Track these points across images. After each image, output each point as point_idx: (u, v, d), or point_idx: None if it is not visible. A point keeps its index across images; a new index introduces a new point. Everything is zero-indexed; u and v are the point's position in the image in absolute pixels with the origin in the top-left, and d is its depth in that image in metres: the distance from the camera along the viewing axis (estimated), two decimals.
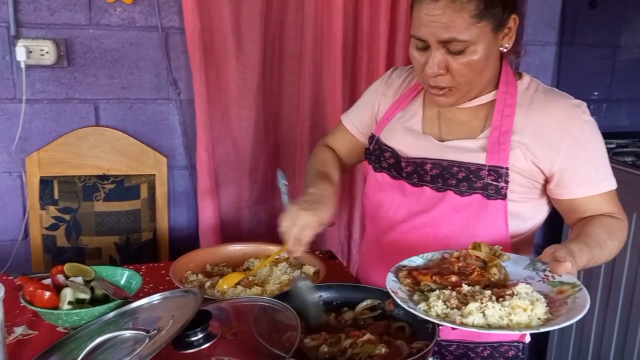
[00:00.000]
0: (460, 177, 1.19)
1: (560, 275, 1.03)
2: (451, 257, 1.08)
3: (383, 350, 1.00)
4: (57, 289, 1.20)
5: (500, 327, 0.90)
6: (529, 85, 1.24)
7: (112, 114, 2.03)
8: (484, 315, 0.91)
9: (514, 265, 1.08)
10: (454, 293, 0.97)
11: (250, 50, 2.01)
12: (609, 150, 2.20)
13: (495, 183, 1.17)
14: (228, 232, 2.15)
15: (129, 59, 1.99)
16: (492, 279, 1.02)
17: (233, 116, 2.08)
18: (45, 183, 1.95)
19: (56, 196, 1.96)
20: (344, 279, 1.46)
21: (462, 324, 0.90)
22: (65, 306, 1.16)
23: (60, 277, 1.22)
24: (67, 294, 1.18)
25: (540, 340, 2.68)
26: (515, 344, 1.27)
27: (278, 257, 1.48)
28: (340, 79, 2.09)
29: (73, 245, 1.98)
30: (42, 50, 1.87)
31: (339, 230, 2.28)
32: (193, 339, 0.94)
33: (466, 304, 0.93)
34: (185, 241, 2.17)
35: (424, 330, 1.06)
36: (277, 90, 2.15)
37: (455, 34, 1.09)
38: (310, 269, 1.44)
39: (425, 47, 1.14)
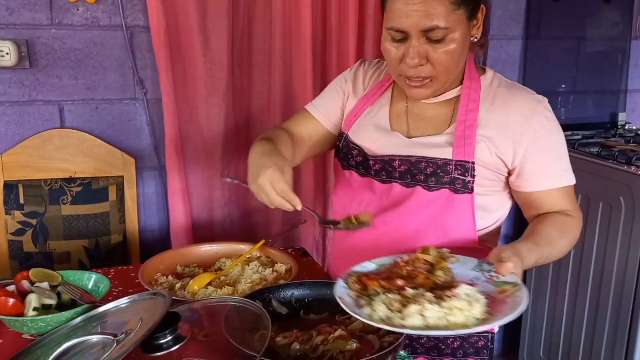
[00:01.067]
0: (429, 172, 1.21)
1: (504, 275, 1.04)
2: (402, 261, 1.09)
3: (354, 345, 1.00)
4: (22, 295, 1.18)
5: (438, 328, 0.92)
6: (493, 81, 1.27)
7: (77, 116, 1.99)
8: (424, 317, 0.93)
9: (462, 267, 1.10)
10: (398, 297, 0.98)
11: (218, 47, 2.00)
12: (575, 141, 2.27)
13: (462, 177, 1.19)
14: (201, 233, 2.13)
15: (93, 59, 1.95)
16: (438, 282, 1.03)
17: (202, 115, 2.05)
18: (10, 187, 1.91)
19: (22, 201, 1.92)
20: (316, 276, 1.46)
21: (403, 327, 0.92)
22: (31, 313, 1.14)
23: (25, 283, 1.20)
24: (33, 300, 1.16)
25: (513, 330, 2.73)
26: (484, 334, 1.30)
27: (250, 256, 1.48)
28: (311, 75, 2.09)
29: (41, 251, 1.94)
30: (2, 51, 1.82)
31: (314, 228, 2.27)
32: (162, 341, 0.93)
33: (405, 307, 0.95)
34: (156, 243, 2.15)
35: None
36: (247, 88, 2.13)
37: (437, 22, 1.10)
38: (282, 267, 1.44)
39: (403, 39, 1.15)
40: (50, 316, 1.11)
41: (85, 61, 1.95)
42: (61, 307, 1.18)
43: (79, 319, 1.11)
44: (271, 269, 1.42)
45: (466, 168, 1.19)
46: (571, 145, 2.27)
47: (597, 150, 2.18)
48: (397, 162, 1.24)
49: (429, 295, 0.98)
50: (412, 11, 1.10)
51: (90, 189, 1.97)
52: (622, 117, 2.65)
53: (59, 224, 1.94)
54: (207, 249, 1.55)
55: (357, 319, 0.97)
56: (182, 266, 1.48)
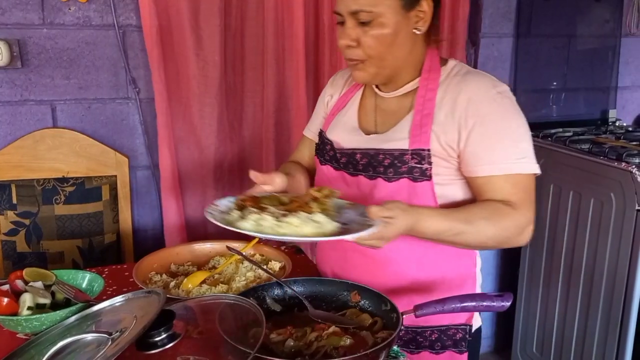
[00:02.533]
0: (386, 164, 1.23)
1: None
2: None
3: (348, 341, 1.01)
4: (16, 294, 1.18)
5: (298, 234, 1.04)
6: (452, 69, 1.27)
7: (69, 115, 1.98)
8: (280, 225, 1.04)
9: (353, 212, 1.16)
10: (277, 212, 1.08)
11: (211, 47, 2.00)
12: (566, 138, 2.29)
13: (419, 166, 1.21)
14: (194, 231, 2.13)
15: (85, 59, 1.95)
16: (311, 212, 1.11)
17: (195, 114, 2.05)
18: (3, 187, 1.90)
19: (14, 200, 1.91)
20: (310, 273, 1.47)
21: (259, 232, 1.04)
22: (25, 312, 1.14)
23: (19, 283, 1.20)
24: (27, 300, 1.15)
25: (505, 327, 2.74)
26: (462, 326, 1.31)
27: (244, 253, 1.48)
28: (304, 74, 2.09)
29: (34, 250, 1.94)
30: None
31: None
32: (157, 339, 0.93)
33: (283, 215, 1.06)
34: (150, 242, 2.15)
35: (389, 320, 1.08)
36: (240, 87, 2.13)
37: (363, 5, 1.16)
38: (276, 265, 1.44)
39: (343, 22, 1.21)
40: (44, 315, 1.11)
41: (77, 60, 1.95)
42: (55, 306, 1.18)
43: (73, 318, 1.11)
44: (265, 266, 1.42)
45: (422, 156, 1.21)
46: (562, 142, 2.28)
47: (587, 147, 2.19)
48: (358, 155, 1.28)
49: (304, 214, 1.07)
50: None
51: (83, 189, 1.97)
52: (612, 114, 2.67)
53: (52, 223, 1.94)
54: (201, 247, 1.55)
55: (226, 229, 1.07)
56: (176, 264, 1.48)
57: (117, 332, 0.95)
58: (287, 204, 1.14)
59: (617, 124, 2.64)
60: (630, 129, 2.59)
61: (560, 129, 2.47)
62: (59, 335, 1.07)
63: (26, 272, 1.23)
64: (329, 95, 1.47)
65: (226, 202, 1.18)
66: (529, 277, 2.52)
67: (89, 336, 0.98)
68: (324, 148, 1.37)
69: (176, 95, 2.03)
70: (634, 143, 2.22)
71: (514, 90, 2.47)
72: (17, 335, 1.17)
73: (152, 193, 2.14)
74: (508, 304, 1.10)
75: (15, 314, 1.14)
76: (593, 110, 2.67)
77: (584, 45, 2.59)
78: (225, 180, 2.16)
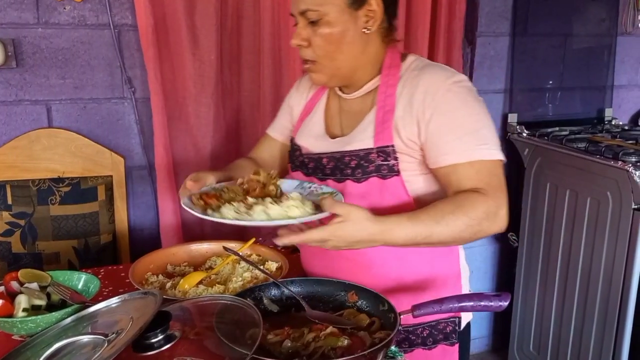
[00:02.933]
0: (353, 165, 1.24)
1: (321, 188, 1.25)
2: (238, 182, 1.24)
3: (346, 342, 1.00)
4: (11, 296, 1.17)
5: (282, 219, 1.08)
6: (411, 64, 1.27)
7: (65, 115, 1.97)
8: (267, 214, 1.09)
9: (287, 186, 1.27)
10: (242, 204, 1.13)
11: (207, 46, 1.99)
12: (562, 137, 2.29)
13: (385, 163, 1.21)
14: (191, 232, 2.12)
15: (80, 58, 1.94)
16: (271, 195, 1.19)
17: (191, 114, 2.05)
18: None
19: (9, 201, 1.90)
20: (307, 273, 1.46)
21: (252, 220, 1.08)
22: (20, 313, 1.13)
23: (14, 284, 1.19)
24: (22, 301, 1.15)
25: (503, 325, 2.75)
26: (451, 319, 1.32)
27: (240, 254, 1.47)
28: (300, 73, 2.07)
29: (29, 251, 1.93)
30: None
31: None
32: (153, 340, 0.93)
33: (251, 207, 1.11)
34: (146, 242, 2.14)
35: (387, 320, 1.08)
36: (236, 87, 2.13)
37: (309, 4, 1.18)
38: (273, 265, 1.44)
39: (297, 23, 1.23)
40: (40, 317, 1.10)
41: (73, 60, 1.94)
42: (51, 307, 1.18)
43: (69, 319, 1.11)
44: (262, 266, 1.42)
45: (387, 152, 1.21)
46: (559, 140, 2.29)
47: (584, 146, 2.20)
48: (325, 160, 1.28)
49: (268, 199, 1.13)
50: None
51: (79, 189, 1.96)
52: (608, 113, 2.67)
53: (47, 224, 1.93)
54: (197, 248, 1.55)
55: (213, 221, 1.12)
56: (173, 265, 1.47)
57: (113, 333, 0.94)
58: (245, 193, 1.20)
59: (613, 123, 2.64)
60: (626, 127, 2.60)
61: (557, 128, 2.47)
62: (54, 337, 1.06)
63: (21, 273, 1.22)
64: (295, 100, 1.48)
65: (189, 204, 1.19)
66: (525, 276, 2.52)
67: (85, 338, 0.98)
68: (294, 154, 1.39)
69: (172, 95, 2.02)
70: (630, 142, 2.23)
71: (511, 89, 2.50)
72: (13, 337, 1.16)
73: (148, 193, 2.13)
74: (506, 303, 1.10)
75: (11, 315, 1.13)
76: (589, 109, 2.67)
77: (580, 44, 2.59)
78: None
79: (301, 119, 1.42)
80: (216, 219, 1.10)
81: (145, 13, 1.87)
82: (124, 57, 1.98)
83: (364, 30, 1.22)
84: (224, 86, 2.08)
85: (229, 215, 1.10)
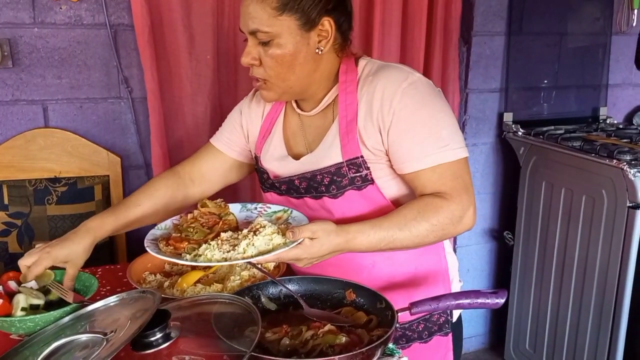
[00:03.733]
0: (327, 182, 1.23)
1: (269, 207, 1.27)
2: (186, 220, 1.20)
3: (344, 339, 1.01)
4: (9, 295, 1.17)
5: (269, 251, 1.06)
6: (364, 68, 1.25)
7: (61, 115, 1.97)
8: (255, 246, 1.06)
9: (233, 211, 1.26)
10: (219, 242, 1.09)
11: (203, 46, 1.99)
12: (557, 136, 2.30)
13: (358, 174, 1.21)
14: None
15: (77, 58, 1.94)
16: (233, 225, 1.19)
17: (188, 113, 2.05)
18: None
19: (6, 201, 1.90)
20: (304, 272, 1.46)
21: (244, 258, 1.05)
22: (19, 313, 1.13)
23: (12, 284, 1.19)
24: (20, 300, 1.15)
25: (498, 324, 2.76)
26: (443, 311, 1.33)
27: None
28: None
29: (26, 251, 1.90)
30: None
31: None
32: (152, 339, 0.93)
33: (235, 246, 1.07)
34: (143, 242, 2.13)
35: (384, 317, 1.08)
36: (233, 86, 2.13)
37: (258, 25, 1.14)
38: (270, 263, 1.44)
39: (247, 39, 1.20)
40: (38, 316, 1.10)
41: (69, 60, 1.94)
42: (49, 306, 1.18)
43: (67, 318, 1.11)
44: (260, 265, 1.42)
45: (357, 164, 1.20)
46: (554, 139, 2.30)
47: (579, 144, 2.21)
48: (297, 181, 1.27)
49: (245, 231, 1.11)
50: (243, 12, 1.17)
51: (76, 189, 1.96)
52: (603, 112, 2.68)
53: (44, 224, 1.92)
54: None
55: (197, 265, 1.11)
56: (170, 264, 1.47)
57: (111, 332, 0.94)
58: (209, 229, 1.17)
59: (608, 122, 2.66)
60: (621, 126, 2.61)
61: (552, 127, 2.48)
62: (53, 336, 1.07)
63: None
64: (248, 120, 1.41)
65: (158, 252, 1.12)
66: (521, 274, 2.53)
67: (84, 337, 0.98)
68: (262, 177, 1.36)
69: (169, 95, 2.02)
70: (625, 140, 2.24)
71: (506, 88, 2.51)
72: (11, 337, 1.16)
73: None
74: (502, 300, 1.11)
75: (9, 315, 1.13)
76: (584, 108, 2.68)
77: (575, 43, 2.60)
78: None
79: (262, 138, 1.37)
80: (204, 263, 1.06)
81: (142, 13, 1.86)
82: (121, 56, 1.98)
83: (316, 51, 1.19)
84: (221, 85, 2.08)
85: (216, 257, 1.06)
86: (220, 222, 1.17)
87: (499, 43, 2.46)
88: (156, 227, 1.22)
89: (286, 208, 1.24)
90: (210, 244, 1.09)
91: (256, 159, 1.39)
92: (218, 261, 1.05)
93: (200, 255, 1.07)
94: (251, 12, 1.14)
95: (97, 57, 1.96)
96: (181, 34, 1.95)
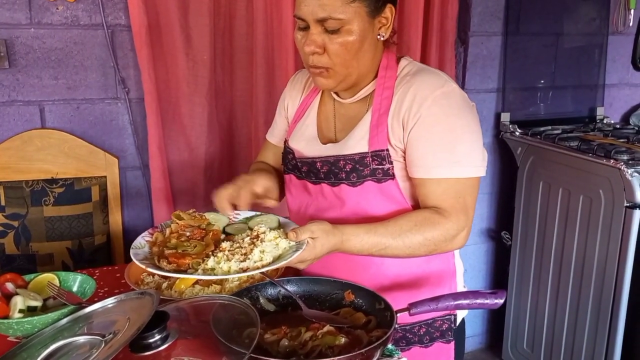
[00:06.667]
0: (348, 169, 1.23)
1: (239, 214, 1.27)
2: (165, 235, 1.17)
3: (343, 340, 1.01)
4: (7, 297, 1.16)
5: (280, 256, 1.06)
6: (405, 67, 1.27)
7: (58, 116, 1.97)
8: (267, 252, 1.06)
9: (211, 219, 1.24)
10: (226, 252, 1.08)
11: (200, 46, 1.99)
12: (554, 136, 2.31)
13: (380, 167, 1.21)
14: None
15: (73, 59, 1.93)
16: (219, 234, 1.18)
17: (185, 114, 2.05)
18: None
19: (2, 202, 1.89)
20: (303, 272, 1.46)
21: (264, 266, 1.04)
22: (16, 315, 1.13)
23: (9, 285, 1.19)
24: (18, 302, 1.14)
25: (496, 324, 2.76)
26: (447, 317, 1.33)
27: None
28: (293, 73, 2.08)
29: (23, 252, 1.92)
30: None
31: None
32: (150, 340, 0.92)
33: (244, 254, 1.06)
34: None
35: (383, 318, 1.08)
36: (229, 86, 2.13)
37: (330, 12, 1.13)
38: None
39: (306, 27, 1.18)
40: (35, 318, 1.10)
41: (66, 60, 1.93)
42: (46, 308, 1.17)
43: (64, 320, 1.10)
44: None
45: (382, 157, 1.21)
46: (551, 139, 2.30)
47: (576, 144, 2.21)
48: (319, 164, 1.27)
49: (247, 239, 1.11)
50: (309, 1, 1.14)
51: (73, 190, 1.95)
52: (600, 112, 2.69)
53: (41, 225, 1.92)
54: None
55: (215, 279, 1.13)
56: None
57: (110, 334, 0.94)
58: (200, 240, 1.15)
59: (604, 122, 2.66)
60: (617, 126, 2.62)
61: (549, 127, 2.49)
62: (50, 337, 1.06)
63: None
64: (290, 100, 1.45)
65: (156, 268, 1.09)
66: (519, 274, 2.53)
67: (82, 338, 0.97)
68: (287, 157, 1.37)
69: (166, 95, 2.02)
70: (622, 140, 2.25)
71: (503, 89, 2.51)
72: (8, 339, 1.15)
73: (143, 193, 2.13)
74: (501, 301, 1.11)
75: (7, 317, 1.12)
76: (581, 108, 2.69)
77: (571, 43, 2.61)
78: (216, 180, 2.15)
79: (295, 121, 1.41)
80: (218, 277, 1.04)
81: (139, 13, 1.86)
82: (118, 57, 1.98)
83: (378, 37, 1.22)
84: (217, 86, 2.08)
85: (234, 268, 1.04)
86: (211, 233, 1.15)
87: (496, 43, 2.46)
88: (132, 248, 1.16)
89: (258, 212, 1.25)
90: (217, 256, 1.07)
91: (285, 142, 1.41)
92: (237, 272, 1.03)
93: (213, 269, 1.05)
94: (322, 0, 1.13)
95: (94, 58, 1.96)
96: (178, 34, 1.95)
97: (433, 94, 1.18)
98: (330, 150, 1.28)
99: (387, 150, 1.21)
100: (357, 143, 1.23)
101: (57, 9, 1.88)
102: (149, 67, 1.92)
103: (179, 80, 2.00)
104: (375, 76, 1.27)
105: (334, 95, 1.34)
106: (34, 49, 1.89)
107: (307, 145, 1.33)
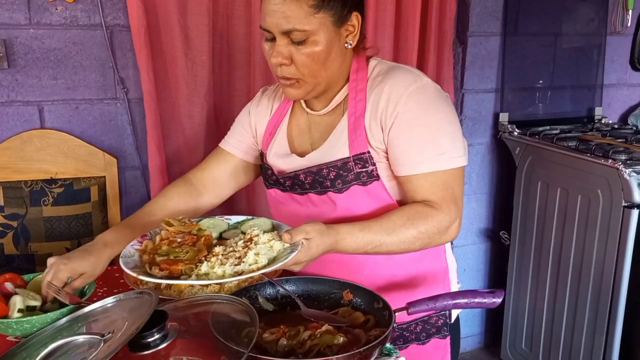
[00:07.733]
0: (332, 176, 1.23)
1: (229, 219, 1.25)
2: (155, 243, 1.14)
3: (341, 339, 1.01)
4: (6, 297, 1.16)
5: (275, 258, 1.05)
6: (375, 68, 1.27)
7: (57, 116, 1.97)
8: (261, 255, 1.05)
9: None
10: (219, 257, 1.06)
11: (199, 46, 1.99)
12: (553, 136, 2.31)
13: (364, 170, 1.21)
14: None
15: (73, 59, 1.94)
16: (211, 239, 1.16)
17: (184, 114, 2.05)
18: None
19: (2, 202, 1.89)
20: (301, 272, 1.46)
21: (259, 269, 1.02)
22: (15, 314, 1.13)
23: (8, 285, 1.19)
24: (17, 302, 1.14)
25: (495, 323, 2.76)
26: (442, 313, 1.33)
27: None
28: None
29: (22, 253, 1.92)
30: None
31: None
32: (149, 339, 0.93)
33: (239, 258, 1.05)
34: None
35: (382, 317, 1.09)
36: (228, 87, 2.13)
37: (295, 24, 1.13)
38: None
39: (273, 39, 1.17)
40: (35, 317, 1.10)
41: (65, 61, 1.93)
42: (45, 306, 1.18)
43: (64, 320, 1.11)
44: None
45: (364, 159, 1.21)
46: (549, 139, 2.30)
47: (574, 144, 2.22)
48: (302, 175, 1.27)
49: (240, 242, 1.09)
50: (273, 11, 1.14)
51: (72, 190, 1.95)
52: (598, 112, 2.70)
53: (40, 225, 1.92)
54: None
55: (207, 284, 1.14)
56: None
57: (109, 333, 0.94)
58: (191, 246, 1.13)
59: (603, 122, 2.67)
60: (616, 126, 2.62)
61: (547, 127, 2.49)
62: (49, 337, 1.06)
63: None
64: (257, 118, 1.42)
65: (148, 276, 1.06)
66: (517, 274, 2.54)
67: (81, 338, 0.97)
68: (266, 173, 1.36)
69: (165, 95, 2.02)
70: (620, 140, 2.25)
71: (502, 89, 2.52)
72: (7, 338, 1.16)
73: (142, 194, 2.13)
74: (499, 300, 1.11)
75: (6, 316, 1.13)
76: (579, 108, 2.69)
77: (570, 43, 2.61)
78: None
79: (270, 134, 1.38)
80: (212, 281, 1.03)
81: (138, 13, 1.86)
82: (117, 57, 1.98)
83: (345, 45, 1.21)
84: (216, 86, 2.08)
85: (228, 271, 1.03)
86: (202, 239, 1.14)
87: (495, 43, 2.47)
88: (121, 257, 1.13)
89: (249, 217, 1.24)
90: (210, 261, 1.06)
91: (262, 155, 1.40)
92: (232, 276, 1.02)
93: (208, 274, 1.03)
94: (285, 12, 1.12)
95: (93, 58, 1.96)
96: (177, 34, 1.95)
97: (407, 90, 1.18)
98: (311, 160, 1.27)
99: (369, 152, 1.21)
100: (337, 150, 1.23)
101: (56, 9, 1.89)
102: (148, 67, 1.92)
103: (178, 80, 2.00)
104: (347, 81, 1.26)
105: (307, 109, 1.33)
106: (33, 49, 1.89)
107: (284, 162, 1.32)
